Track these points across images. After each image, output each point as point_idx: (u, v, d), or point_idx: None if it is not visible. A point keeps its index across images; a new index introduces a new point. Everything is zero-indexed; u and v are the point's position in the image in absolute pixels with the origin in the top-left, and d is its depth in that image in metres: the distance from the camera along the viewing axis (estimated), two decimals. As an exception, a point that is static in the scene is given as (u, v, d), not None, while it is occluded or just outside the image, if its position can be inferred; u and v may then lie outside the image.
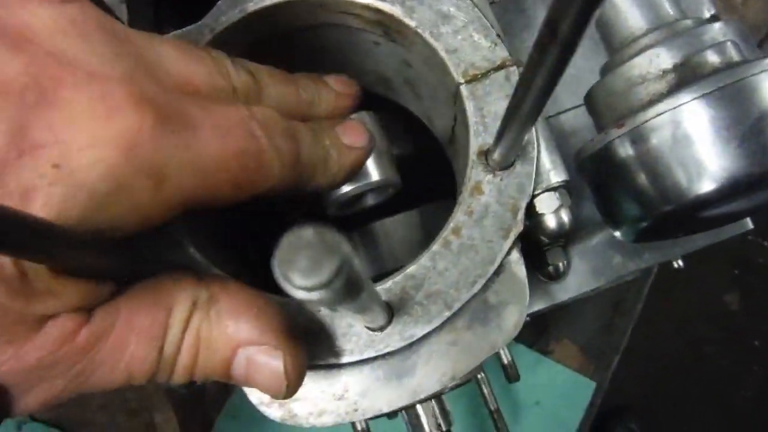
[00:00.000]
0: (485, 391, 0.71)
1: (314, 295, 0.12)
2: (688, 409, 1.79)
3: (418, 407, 0.62)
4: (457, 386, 0.62)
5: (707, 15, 0.51)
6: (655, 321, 1.82)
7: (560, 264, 0.49)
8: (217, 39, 0.37)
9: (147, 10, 0.40)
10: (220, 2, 0.38)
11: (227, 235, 0.44)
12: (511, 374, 0.65)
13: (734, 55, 0.36)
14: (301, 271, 0.12)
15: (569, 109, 0.51)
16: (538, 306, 0.52)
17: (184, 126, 0.28)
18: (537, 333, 0.87)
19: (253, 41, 0.41)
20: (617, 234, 0.43)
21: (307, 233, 0.12)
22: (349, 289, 0.14)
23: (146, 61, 0.29)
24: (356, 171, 0.39)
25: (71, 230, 0.24)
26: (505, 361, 0.64)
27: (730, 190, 0.34)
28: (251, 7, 0.38)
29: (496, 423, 0.71)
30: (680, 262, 0.70)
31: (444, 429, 0.63)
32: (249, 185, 0.32)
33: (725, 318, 1.89)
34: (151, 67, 0.29)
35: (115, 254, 0.27)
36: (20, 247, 0.20)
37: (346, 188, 0.40)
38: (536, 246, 0.50)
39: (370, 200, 0.45)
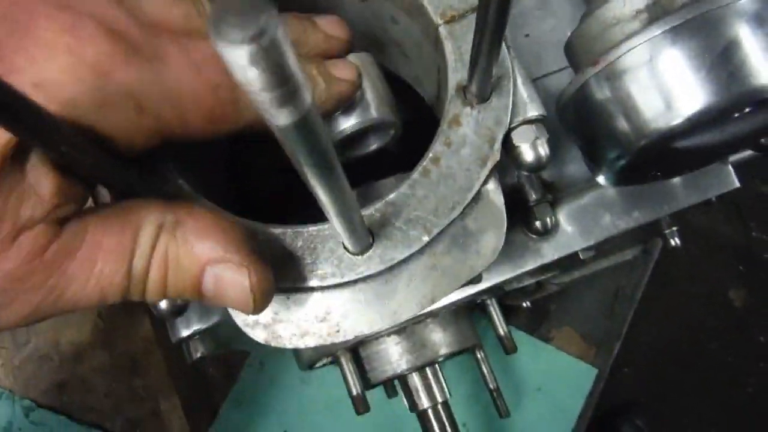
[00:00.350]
0: (485, 370, 0.71)
1: (242, 54, 0.14)
2: (694, 405, 1.77)
3: (414, 377, 0.62)
4: (453, 354, 0.63)
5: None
6: (660, 318, 1.81)
7: (548, 219, 0.50)
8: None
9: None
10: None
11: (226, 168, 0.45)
12: (508, 346, 0.65)
13: (701, -10, 0.37)
14: (230, 23, 0.13)
15: (555, 72, 0.52)
16: (532, 264, 0.53)
17: (158, 59, 0.30)
18: (538, 320, 0.88)
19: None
20: (600, 179, 0.44)
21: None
22: (284, 75, 0.15)
23: (124, 1, 0.31)
24: (345, 102, 0.39)
25: (74, 124, 0.26)
26: (501, 333, 0.65)
27: (701, 118, 0.36)
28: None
29: (496, 402, 0.71)
30: (677, 240, 0.71)
31: (440, 400, 0.63)
32: (225, 119, 0.33)
33: (730, 314, 1.88)
34: (128, 5, 0.31)
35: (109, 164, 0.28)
36: (33, 129, 0.22)
37: (345, 125, 0.41)
38: (524, 203, 0.51)
39: (373, 142, 0.45)
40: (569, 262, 0.61)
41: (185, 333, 0.52)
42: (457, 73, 0.37)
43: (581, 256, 0.59)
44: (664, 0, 0.38)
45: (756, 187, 2.12)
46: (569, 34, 0.44)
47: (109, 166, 0.29)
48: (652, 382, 1.79)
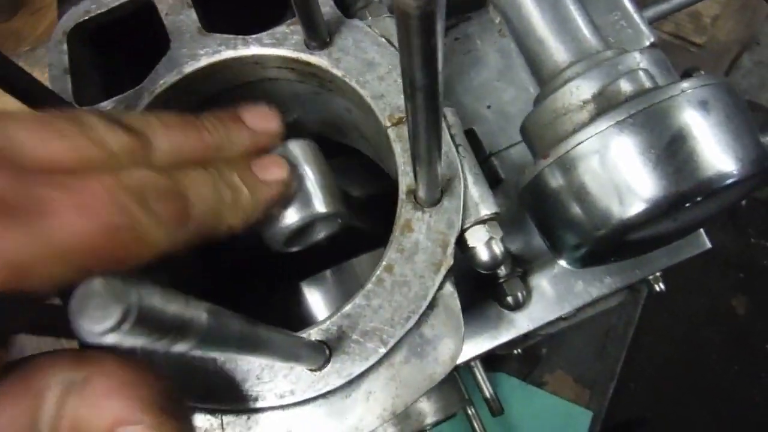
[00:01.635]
0: (476, 426, 0.70)
1: (109, 339, 0.14)
2: (699, 418, 1.74)
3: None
4: (439, 422, 0.62)
5: (647, 44, 0.52)
6: (663, 331, 1.79)
7: (518, 294, 0.50)
8: (157, 100, 0.40)
9: (92, 75, 0.42)
10: (158, 66, 0.40)
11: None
12: (494, 408, 0.65)
13: (646, 82, 0.37)
14: (90, 318, 0.13)
15: (519, 142, 0.52)
16: (507, 336, 0.53)
17: (39, 214, 0.27)
18: (530, 365, 0.87)
19: (202, 99, 0.43)
20: (562, 262, 0.44)
21: (94, 284, 0.13)
22: (160, 332, 0.15)
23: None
24: (276, 204, 0.38)
25: None
26: (487, 395, 0.64)
27: (652, 212, 0.35)
28: (187, 69, 0.40)
29: (489, 458, 0.70)
30: (662, 286, 0.70)
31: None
32: (133, 257, 0.31)
33: (733, 323, 1.86)
34: (4, 153, 0.28)
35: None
36: None
37: (287, 221, 0.40)
38: (494, 278, 0.51)
39: (320, 233, 0.44)
40: (550, 323, 0.61)
41: None
42: (406, 177, 0.37)
43: (562, 316, 0.58)
44: (609, 91, 0.37)
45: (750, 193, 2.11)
46: (527, 111, 0.44)
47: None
48: (657, 397, 1.77)
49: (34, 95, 0.34)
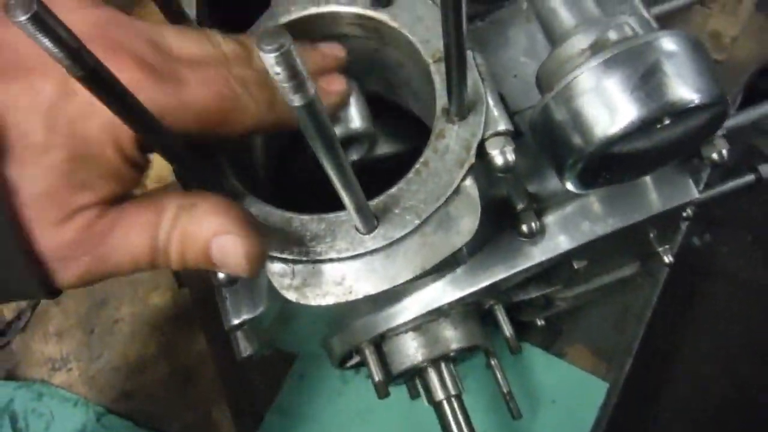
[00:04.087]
0: (498, 375, 0.80)
1: (271, 58, 0.26)
2: None
3: (430, 371, 0.72)
4: (464, 351, 0.72)
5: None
6: (700, 364, 1.81)
7: (532, 224, 0.60)
8: (258, 42, 0.53)
9: (209, 23, 0.56)
10: (260, 17, 0.54)
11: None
12: (513, 346, 0.74)
13: (628, 32, 0.48)
14: (265, 41, 0.25)
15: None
16: (523, 265, 0.63)
17: (176, 81, 0.41)
18: (552, 338, 0.96)
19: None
20: (567, 185, 0.54)
21: (270, 27, 0.25)
22: (294, 72, 0.27)
23: (151, 40, 0.42)
24: (335, 111, 0.51)
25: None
26: (507, 334, 0.73)
27: (631, 128, 0.46)
28: (282, 20, 0.53)
29: (509, 404, 0.79)
30: (670, 258, 0.79)
31: (453, 392, 0.72)
32: (232, 121, 0.44)
33: (772, 355, 1.86)
34: (154, 43, 0.42)
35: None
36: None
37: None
38: (512, 210, 0.61)
39: (352, 154, 0.56)
40: (566, 273, 0.71)
41: (235, 321, 0.63)
42: (441, 99, 0.49)
43: (575, 266, 0.68)
44: (601, 41, 0.49)
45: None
46: (541, 71, 0.56)
47: (182, 152, 0.41)
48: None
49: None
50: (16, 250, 0.37)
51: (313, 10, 0.54)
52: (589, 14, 0.53)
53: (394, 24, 0.52)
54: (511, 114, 0.63)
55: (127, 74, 0.39)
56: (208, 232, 0.41)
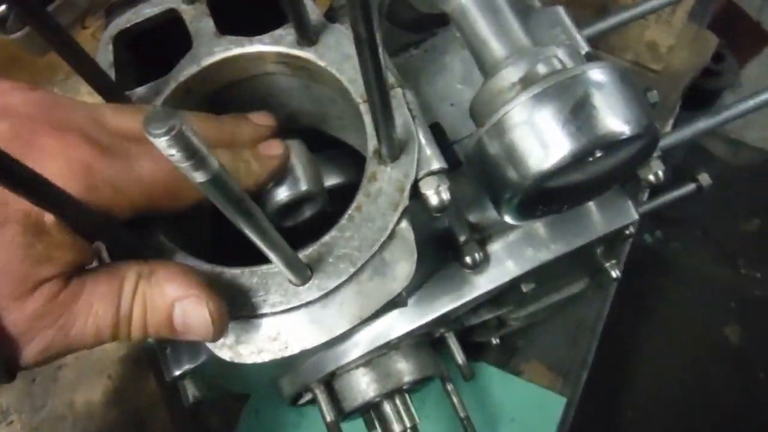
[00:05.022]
0: (455, 400, 0.78)
1: (162, 141, 0.24)
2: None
3: (385, 404, 0.70)
4: (417, 383, 0.71)
5: (583, 53, 0.63)
6: (657, 362, 1.85)
7: (476, 255, 0.59)
8: (179, 88, 0.51)
9: (129, 71, 0.54)
10: (182, 60, 0.51)
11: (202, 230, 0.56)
12: (465, 373, 0.73)
13: (557, 65, 0.48)
14: (154, 125, 0.23)
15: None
16: (470, 296, 0.62)
17: (125, 156, 0.41)
18: (507, 355, 0.95)
19: (212, 91, 0.54)
20: (506, 218, 0.53)
21: (158, 109, 0.23)
22: (192, 151, 0.25)
23: (92, 118, 0.43)
24: (277, 175, 0.50)
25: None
26: (459, 362, 0.73)
27: (561, 163, 0.45)
28: (204, 62, 0.51)
29: (466, 429, 0.78)
30: (618, 272, 0.79)
31: (409, 425, 0.71)
32: (182, 195, 0.44)
33: (726, 352, 1.91)
34: (96, 122, 0.43)
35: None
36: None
37: (280, 196, 0.51)
38: (455, 242, 0.60)
39: (307, 210, 0.55)
40: (515, 296, 0.70)
41: (177, 372, 0.61)
42: (372, 140, 0.48)
43: (523, 289, 0.68)
44: (531, 75, 0.48)
45: (739, 226, 2.20)
46: (476, 102, 0.55)
47: (108, 226, 0.39)
48: (657, 428, 1.82)
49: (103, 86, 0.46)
50: None
51: (236, 50, 0.52)
52: (519, 44, 0.52)
53: (320, 63, 0.51)
54: (447, 145, 0.62)
55: (78, 153, 0.39)
56: (169, 297, 0.41)
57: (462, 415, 0.78)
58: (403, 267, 0.45)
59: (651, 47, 1.06)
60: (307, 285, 0.45)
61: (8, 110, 0.40)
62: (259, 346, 0.45)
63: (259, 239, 0.36)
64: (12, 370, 0.39)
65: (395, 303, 0.47)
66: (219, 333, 0.42)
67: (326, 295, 0.45)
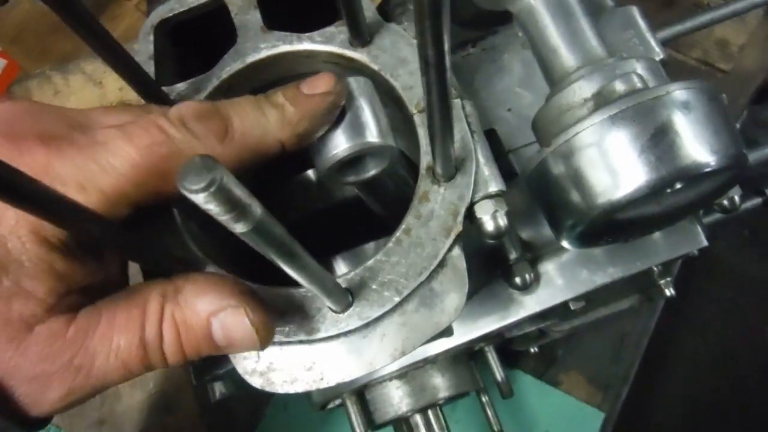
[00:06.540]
0: (489, 413, 0.75)
1: (199, 197, 0.20)
2: None
3: (417, 417, 0.67)
4: (452, 398, 0.68)
5: (657, 59, 0.58)
6: (697, 363, 1.79)
7: (526, 276, 0.55)
8: (222, 85, 0.47)
9: (170, 62, 0.50)
10: (225, 56, 0.48)
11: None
12: (504, 390, 0.69)
13: (637, 83, 0.43)
14: (189, 180, 0.20)
15: (533, 142, 0.58)
16: (516, 316, 0.58)
17: (89, 144, 0.36)
18: (546, 365, 0.91)
19: (260, 86, 0.51)
20: (564, 243, 0.49)
21: (196, 159, 0.20)
22: (233, 204, 0.22)
23: (75, 121, 0.38)
24: (327, 118, 0.41)
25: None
26: (498, 378, 0.69)
27: (636, 195, 0.41)
28: (250, 59, 0.48)
29: (500, 443, 0.75)
30: (672, 291, 0.74)
31: (442, 439, 0.68)
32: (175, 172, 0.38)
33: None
34: (79, 125, 0.38)
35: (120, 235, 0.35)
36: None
37: (340, 148, 0.42)
38: (505, 260, 0.56)
39: (371, 168, 0.45)
40: (562, 312, 0.66)
41: (205, 376, 0.58)
42: (426, 156, 0.44)
43: (572, 307, 0.63)
44: (606, 91, 0.43)
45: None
46: (538, 112, 0.50)
47: (113, 232, 0.35)
48: (692, 428, 1.77)
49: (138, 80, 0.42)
50: None
51: (284, 47, 0.48)
52: (592, 54, 0.47)
53: (374, 66, 0.46)
54: (503, 154, 0.58)
55: (29, 156, 0.35)
56: (203, 313, 0.36)
57: (496, 429, 0.74)
58: (452, 299, 0.42)
59: (721, 45, 0.99)
60: (347, 313, 0.41)
61: None
62: (293, 374, 0.41)
63: (301, 275, 0.32)
64: (28, 423, 0.35)
65: (440, 334, 0.43)
66: (266, 341, 0.38)
67: (367, 325, 0.41)
